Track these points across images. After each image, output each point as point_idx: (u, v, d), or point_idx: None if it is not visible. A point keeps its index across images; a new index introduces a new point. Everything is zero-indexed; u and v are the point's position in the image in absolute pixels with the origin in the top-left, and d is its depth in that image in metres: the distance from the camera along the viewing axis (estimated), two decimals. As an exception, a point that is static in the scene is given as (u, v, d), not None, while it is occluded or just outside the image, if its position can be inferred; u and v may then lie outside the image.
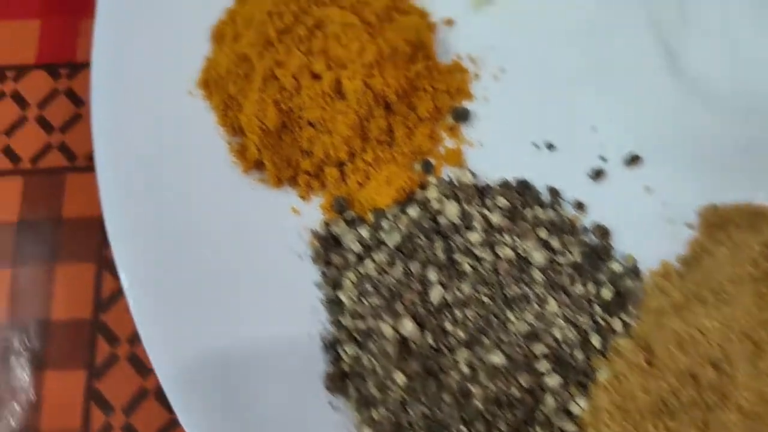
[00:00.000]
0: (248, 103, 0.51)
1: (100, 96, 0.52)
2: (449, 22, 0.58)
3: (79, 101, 0.59)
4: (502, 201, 0.51)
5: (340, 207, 0.52)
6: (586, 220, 0.51)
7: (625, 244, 0.51)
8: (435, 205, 0.51)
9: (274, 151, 0.51)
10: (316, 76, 0.52)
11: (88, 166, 0.55)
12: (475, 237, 0.50)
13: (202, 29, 0.56)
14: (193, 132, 0.52)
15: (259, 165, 0.52)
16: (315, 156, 0.52)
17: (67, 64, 0.59)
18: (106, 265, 0.53)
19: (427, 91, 0.55)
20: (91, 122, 0.51)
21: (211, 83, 0.53)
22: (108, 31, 0.53)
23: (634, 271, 0.50)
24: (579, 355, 0.47)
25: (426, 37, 0.55)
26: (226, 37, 0.54)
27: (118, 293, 0.53)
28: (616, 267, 0.50)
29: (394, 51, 0.53)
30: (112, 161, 0.51)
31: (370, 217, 0.51)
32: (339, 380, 0.48)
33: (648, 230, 0.51)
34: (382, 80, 0.52)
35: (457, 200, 0.51)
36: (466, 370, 0.47)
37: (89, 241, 0.53)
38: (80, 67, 0.59)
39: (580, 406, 0.46)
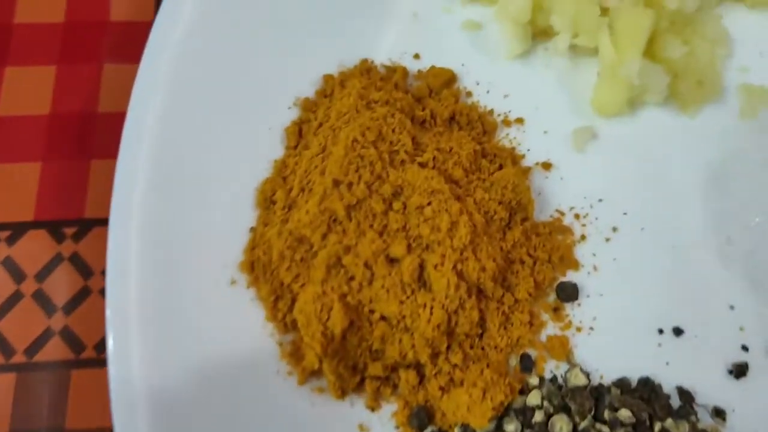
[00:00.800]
0: (306, 297, 0.40)
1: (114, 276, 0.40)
2: (546, 166, 0.47)
3: (87, 271, 0.47)
4: (624, 414, 0.42)
5: (420, 423, 0.42)
6: (729, 433, 0.42)
7: (778, 464, 0.42)
8: (539, 418, 0.42)
9: (339, 359, 0.40)
10: (392, 260, 0.40)
11: (98, 359, 0.44)
12: (596, 474, 0.40)
13: (245, 188, 0.44)
14: (234, 329, 0.41)
15: (317, 372, 0.41)
16: (388, 357, 0.41)
17: (74, 222, 0.47)
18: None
19: (525, 262, 0.44)
20: (104, 301, 0.40)
21: (258, 267, 0.42)
22: (126, 192, 0.42)
23: (795, 506, 0.41)
24: None
25: (524, 196, 0.44)
26: (277, 202, 0.43)
27: None
28: (772, 501, 0.40)
29: (489, 220, 0.42)
30: (130, 358, 0.40)
31: (457, 433, 0.41)
32: None
33: (808, 445, 0.42)
34: (477, 263, 0.41)
35: (567, 412, 0.42)
36: None
37: (100, 462, 0.42)
38: (89, 224, 0.47)
39: None
